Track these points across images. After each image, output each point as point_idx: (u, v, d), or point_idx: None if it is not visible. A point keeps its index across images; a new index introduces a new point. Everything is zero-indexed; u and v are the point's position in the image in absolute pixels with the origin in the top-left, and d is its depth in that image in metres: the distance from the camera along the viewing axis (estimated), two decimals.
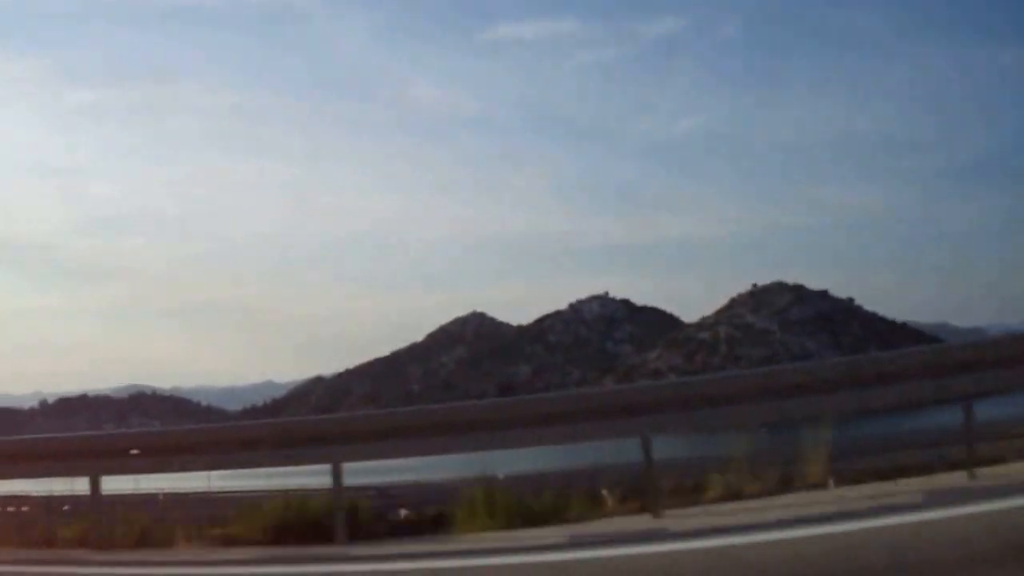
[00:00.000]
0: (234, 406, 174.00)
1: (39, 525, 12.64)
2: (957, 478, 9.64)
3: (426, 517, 12.72)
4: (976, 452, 10.08)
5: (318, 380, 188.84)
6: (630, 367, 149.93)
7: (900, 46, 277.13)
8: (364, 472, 13.52)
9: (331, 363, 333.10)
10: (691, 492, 10.99)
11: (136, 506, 14.06)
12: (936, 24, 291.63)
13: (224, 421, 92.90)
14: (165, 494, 18.41)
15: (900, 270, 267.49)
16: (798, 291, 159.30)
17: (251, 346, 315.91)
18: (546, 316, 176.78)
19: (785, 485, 10.54)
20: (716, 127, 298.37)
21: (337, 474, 10.47)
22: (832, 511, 8.22)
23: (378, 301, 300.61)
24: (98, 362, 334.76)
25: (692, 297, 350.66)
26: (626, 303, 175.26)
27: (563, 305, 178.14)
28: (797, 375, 11.12)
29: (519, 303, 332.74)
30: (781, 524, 7.73)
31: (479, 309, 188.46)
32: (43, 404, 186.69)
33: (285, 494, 11.56)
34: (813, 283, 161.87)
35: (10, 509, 17.23)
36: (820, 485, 10.27)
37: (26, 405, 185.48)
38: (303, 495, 11.57)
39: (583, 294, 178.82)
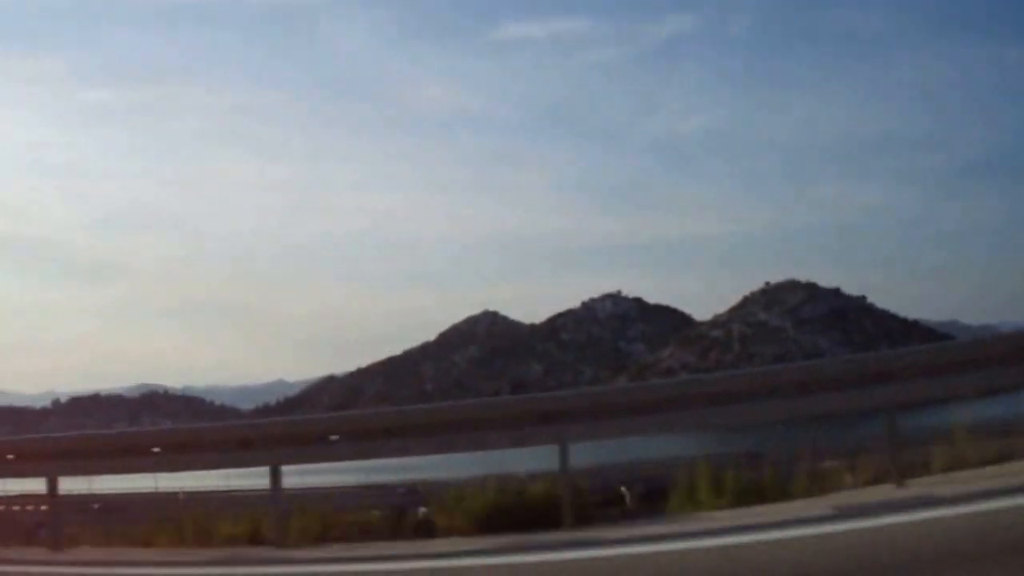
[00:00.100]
0: (247, 405, 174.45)
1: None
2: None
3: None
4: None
5: (330, 379, 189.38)
6: (643, 365, 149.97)
7: (905, 46, 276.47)
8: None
9: (342, 363, 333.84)
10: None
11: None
12: (943, 24, 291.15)
13: (237, 419, 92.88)
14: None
15: (909, 268, 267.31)
16: (811, 289, 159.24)
17: (261, 346, 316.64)
18: (559, 315, 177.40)
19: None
20: (723, 126, 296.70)
21: (564, 456, 9.64)
22: None
23: (389, 300, 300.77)
24: (109, 361, 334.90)
25: (703, 295, 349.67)
26: (639, 302, 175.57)
27: (576, 304, 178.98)
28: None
29: (531, 302, 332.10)
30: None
31: (491, 308, 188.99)
32: (56, 403, 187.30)
33: (498, 480, 10.89)
34: (824, 281, 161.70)
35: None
36: None
37: (38, 404, 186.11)
38: (519, 481, 11.04)
39: (595, 293, 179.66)
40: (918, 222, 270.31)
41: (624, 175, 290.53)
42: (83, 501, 28.62)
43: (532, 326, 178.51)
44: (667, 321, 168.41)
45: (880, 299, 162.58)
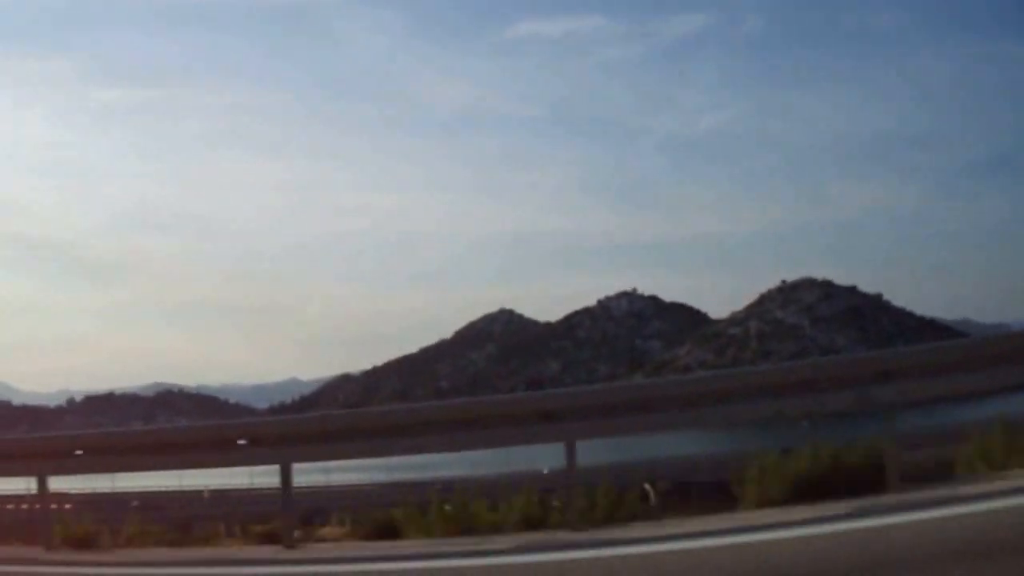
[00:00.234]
0: (261, 403, 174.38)
1: None
2: None
3: None
4: None
5: (346, 378, 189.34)
6: (660, 363, 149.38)
7: (921, 42, 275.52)
8: None
9: (356, 361, 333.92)
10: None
11: None
12: (958, 20, 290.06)
13: (254, 417, 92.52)
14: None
15: (923, 266, 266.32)
16: (827, 287, 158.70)
17: (274, 345, 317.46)
18: (575, 313, 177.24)
19: None
20: (736, 124, 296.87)
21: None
22: None
23: (403, 299, 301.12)
24: (122, 360, 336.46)
25: (718, 293, 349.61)
26: (654, 299, 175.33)
27: (591, 302, 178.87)
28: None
29: (546, 301, 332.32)
30: None
31: (507, 306, 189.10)
32: (70, 402, 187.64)
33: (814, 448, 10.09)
34: (840, 279, 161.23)
35: None
36: None
37: (53, 403, 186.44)
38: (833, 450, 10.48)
39: (611, 291, 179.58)
40: (931, 220, 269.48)
41: (637, 173, 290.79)
42: (122, 500, 28.34)
43: (548, 324, 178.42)
44: (683, 319, 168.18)
45: (895, 297, 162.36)
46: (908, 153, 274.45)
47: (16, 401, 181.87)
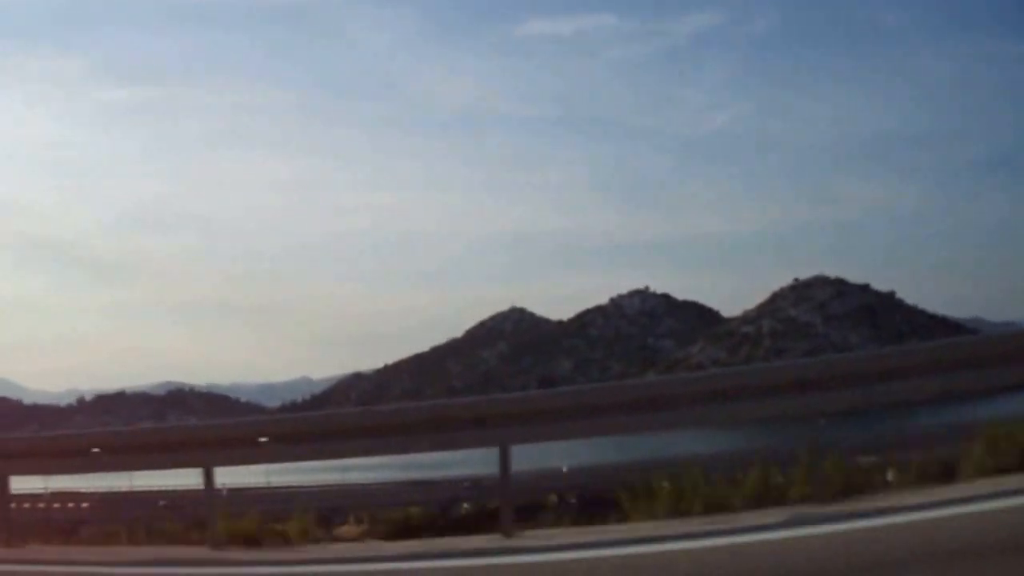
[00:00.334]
0: (272, 402, 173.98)
1: None
2: None
3: None
4: None
5: (357, 376, 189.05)
6: (673, 361, 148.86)
7: (930, 41, 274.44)
8: None
9: (366, 360, 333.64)
10: None
11: None
12: (966, 18, 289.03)
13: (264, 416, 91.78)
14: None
15: (930, 264, 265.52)
16: (840, 285, 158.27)
17: (283, 343, 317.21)
18: (586, 311, 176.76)
19: None
20: (748, 122, 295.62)
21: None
22: None
23: (415, 298, 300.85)
24: (131, 359, 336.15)
25: (730, 292, 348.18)
26: (666, 298, 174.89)
27: (603, 300, 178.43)
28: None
29: (558, 298, 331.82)
30: None
31: (518, 305, 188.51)
32: (80, 401, 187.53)
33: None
34: (852, 277, 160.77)
35: None
36: None
37: (62, 403, 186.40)
38: None
39: (622, 289, 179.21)
40: (937, 218, 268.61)
41: (648, 171, 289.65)
42: (151, 499, 27.93)
43: (560, 323, 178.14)
44: (695, 317, 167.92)
45: (908, 295, 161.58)
46: (913, 152, 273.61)
47: (25, 400, 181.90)
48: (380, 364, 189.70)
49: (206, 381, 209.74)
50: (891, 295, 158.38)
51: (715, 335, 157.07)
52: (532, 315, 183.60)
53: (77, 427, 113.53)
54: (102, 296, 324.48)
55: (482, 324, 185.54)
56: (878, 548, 6.45)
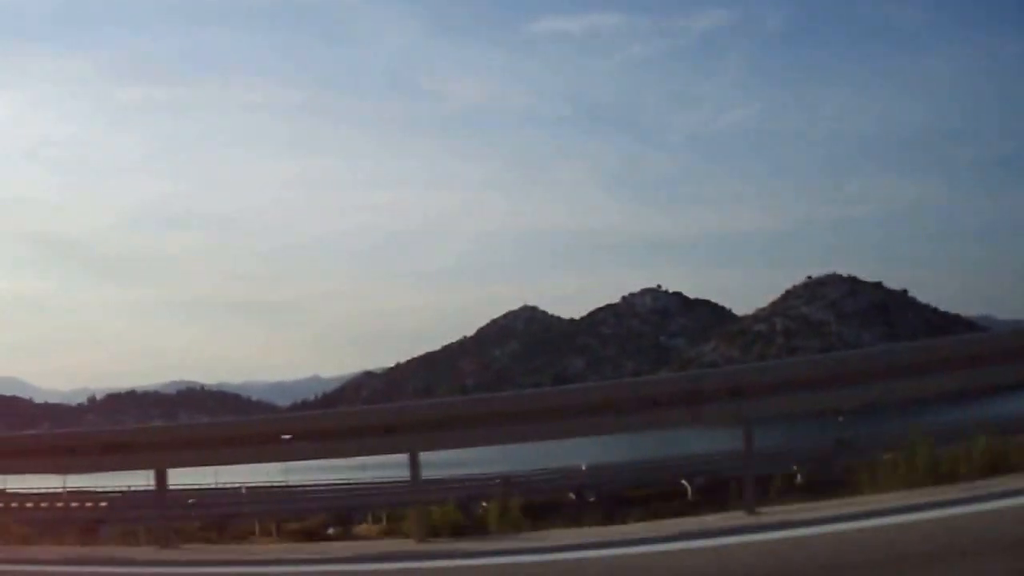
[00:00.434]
0: (283, 401, 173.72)
1: None
2: None
3: None
4: None
5: (368, 375, 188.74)
6: (685, 359, 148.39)
7: (943, 38, 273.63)
8: None
9: (376, 359, 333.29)
10: None
11: None
12: (981, 17, 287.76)
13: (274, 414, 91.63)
14: None
15: (942, 262, 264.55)
16: (852, 283, 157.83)
17: (293, 342, 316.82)
18: (599, 309, 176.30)
19: None
20: (761, 120, 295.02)
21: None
22: None
23: (427, 296, 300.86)
24: (142, 358, 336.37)
25: (743, 290, 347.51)
26: (679, 296, 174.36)
27: (615, 298, 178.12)
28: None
29: (570, 297, 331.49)
30: None
31: (530, 303, 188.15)
32: (91, 400, 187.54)
33: None
34: (864, 275, 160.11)
35: None
36: None
37: (74, 402, 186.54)
38: None
39: (635, 287, 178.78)
40: (949, 217, 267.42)
41: (660, 170, 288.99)
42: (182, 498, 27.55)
43: (572, 321, 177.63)
44: (708, 315, 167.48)
45: (920, 293, 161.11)
46: (925, 150, 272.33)
47: (36, 399, 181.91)
48: (392, 363, 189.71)
49: (217, 380, 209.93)
50: (904, 293, 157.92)
51: (728, 333, 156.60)
52: (544, 313, 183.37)
53: (87, 426, 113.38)
54: (113, 295, 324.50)
55: (494, 322, 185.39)
56: None
